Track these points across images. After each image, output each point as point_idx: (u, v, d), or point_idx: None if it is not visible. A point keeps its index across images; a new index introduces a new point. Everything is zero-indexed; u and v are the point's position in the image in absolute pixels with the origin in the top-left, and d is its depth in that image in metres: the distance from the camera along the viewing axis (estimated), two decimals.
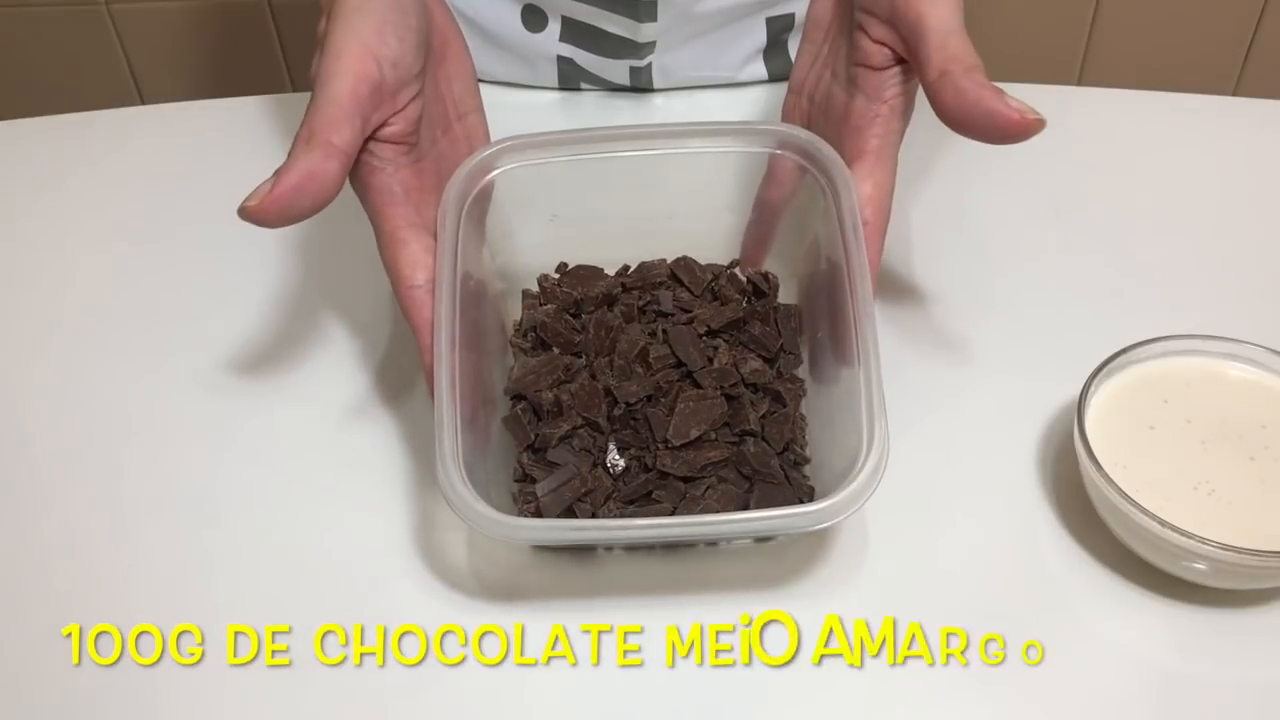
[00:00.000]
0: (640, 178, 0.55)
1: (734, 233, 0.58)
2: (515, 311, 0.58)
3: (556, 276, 0.58)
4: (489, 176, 0.53)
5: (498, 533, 0.44)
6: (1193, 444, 0.49)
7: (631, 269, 0.58)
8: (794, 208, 0.55)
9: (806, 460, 0.52)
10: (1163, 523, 0.45)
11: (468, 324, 0.49)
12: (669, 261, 0.57)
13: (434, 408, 0.46)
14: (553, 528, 0.47)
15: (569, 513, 0.49)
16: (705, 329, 0.54)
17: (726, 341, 0.54)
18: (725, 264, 0.58)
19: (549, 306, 0.56)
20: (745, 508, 0.49)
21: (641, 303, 0.56)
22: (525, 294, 0.58)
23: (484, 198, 0.54)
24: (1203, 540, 0.45)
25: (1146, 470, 0.48)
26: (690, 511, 0.49)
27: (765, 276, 0.57)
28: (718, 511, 0.49)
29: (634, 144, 0.54)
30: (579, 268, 0.57)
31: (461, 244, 0.50)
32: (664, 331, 0.54)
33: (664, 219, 0.57)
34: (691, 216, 0.57)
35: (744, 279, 0.57)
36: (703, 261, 0.57)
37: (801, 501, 0.49)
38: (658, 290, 0.56)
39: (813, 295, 0.55)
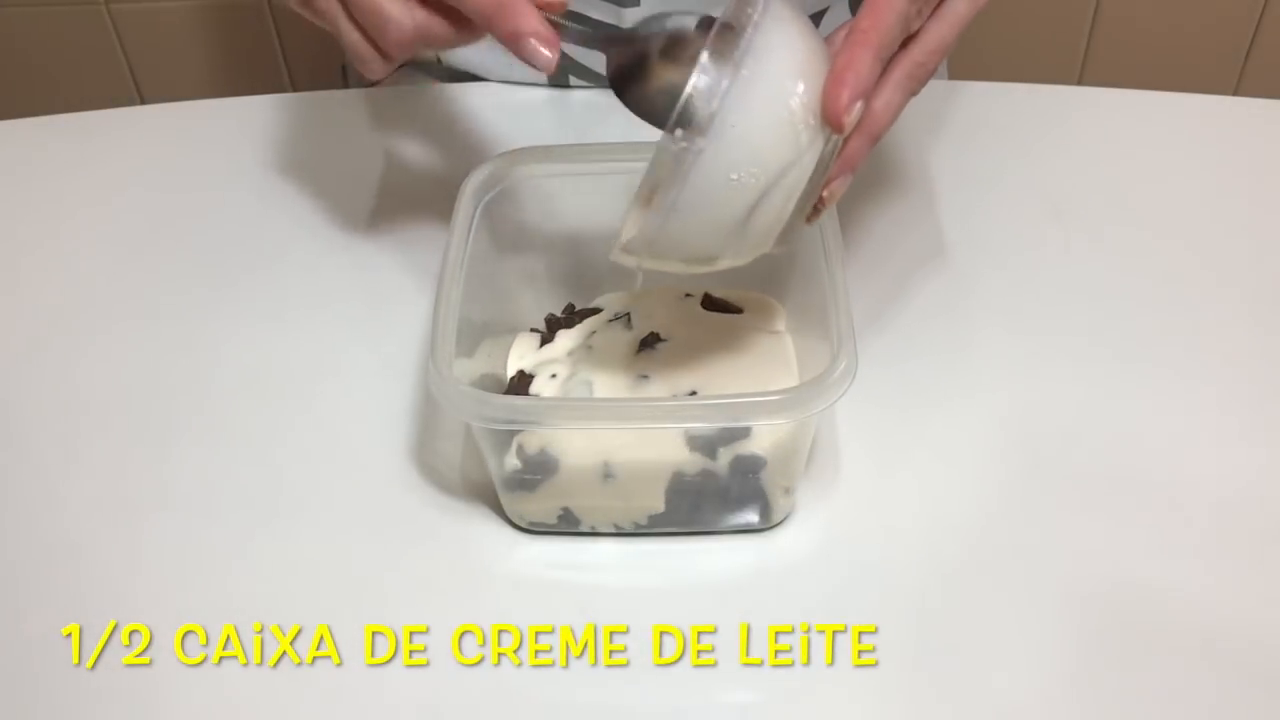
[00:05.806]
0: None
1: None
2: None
3: (562, 316, 0.59)
4: (504, 183, 0.55)
5: (470, 410, 0.46)
6: None
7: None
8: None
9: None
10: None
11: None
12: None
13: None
14: (524, 403, 0.48)
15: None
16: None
17: None
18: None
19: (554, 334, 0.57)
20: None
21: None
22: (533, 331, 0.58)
23: (502, 202, 0.55)
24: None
25: None
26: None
27: None
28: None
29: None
30: (584, 309, 0.59)
31: (472, 248, 0.51)
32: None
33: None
34: None
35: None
36: None
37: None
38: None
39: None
